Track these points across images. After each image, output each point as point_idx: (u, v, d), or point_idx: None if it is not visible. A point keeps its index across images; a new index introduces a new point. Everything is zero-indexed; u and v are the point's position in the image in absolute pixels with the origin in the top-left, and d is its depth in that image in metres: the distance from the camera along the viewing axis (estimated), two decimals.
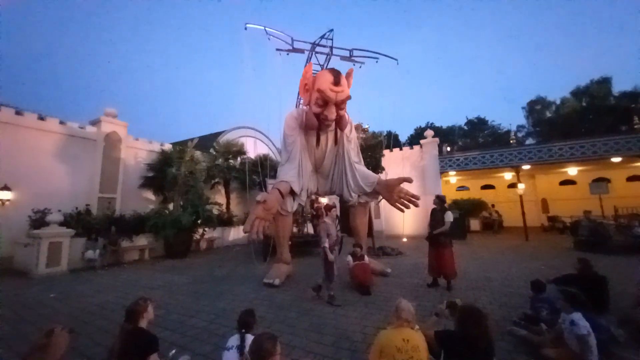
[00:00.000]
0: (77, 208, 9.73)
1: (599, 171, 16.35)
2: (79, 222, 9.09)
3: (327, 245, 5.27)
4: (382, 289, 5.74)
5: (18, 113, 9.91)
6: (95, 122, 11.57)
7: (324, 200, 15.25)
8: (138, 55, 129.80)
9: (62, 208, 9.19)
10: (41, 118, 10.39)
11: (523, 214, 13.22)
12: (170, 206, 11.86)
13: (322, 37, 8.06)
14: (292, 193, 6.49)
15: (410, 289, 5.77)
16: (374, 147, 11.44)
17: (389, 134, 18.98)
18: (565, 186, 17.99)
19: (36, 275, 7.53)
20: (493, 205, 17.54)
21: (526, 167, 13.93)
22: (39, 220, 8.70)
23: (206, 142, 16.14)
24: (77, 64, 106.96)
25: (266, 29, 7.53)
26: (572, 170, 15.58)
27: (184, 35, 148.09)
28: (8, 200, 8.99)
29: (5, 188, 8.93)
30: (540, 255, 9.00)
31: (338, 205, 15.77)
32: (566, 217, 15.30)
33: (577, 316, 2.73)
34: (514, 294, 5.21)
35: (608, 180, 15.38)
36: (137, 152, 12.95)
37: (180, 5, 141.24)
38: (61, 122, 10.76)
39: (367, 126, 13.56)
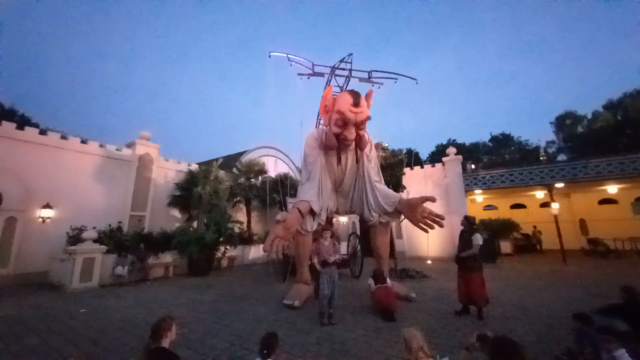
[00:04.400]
0: (110, 225, 10.28)
1: None
2: (111, 239, 9.56)
3: (315, 261, 5.46)
4: (406, 315, 5.46)
5: (63, 138, 10.88)
6: (131, 145, 12.43)
7: (343, 220, 15.11)
8: (168, 79, 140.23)
9: (96, 225, 9.77)
10: (83, 142, 11.32)
11: (559, 235, 12.29)
12: (195, 224, 12.24)
13: (341, 60, 8.33)
14: (312, 212, 6.50)
15: (437, 316, 5.44)
16: (395, 166, 11.31)
17: (410, 151, 18.75)
18: (606, 205, 16.64)
19: (69, 290, 7.91)
20: (535, 227, 16.80)
21: (559, 185, 13.11)
22: (75, 237, 9.26)
23: (230, 161, 16.75)
24: (112, 89, 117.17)
25: (288, 56, 7.92)
26: (612, 189, 14.44)
27: (216, 61, 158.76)
28: (49, 217, 9.70)
29: (48, 206, 9.67)
30: (582, 281, 8.24)
31: (358, 225, 15.53)
32: (609, 239, 14.06)
33: (620, 352, 2.44)
34: (554, 325, 4.76)
35: None
36: (167, 172, 13.65)
37: (205, 33, 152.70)
38: (100, 145, 11.66)
39: (387, 144, 13.51)
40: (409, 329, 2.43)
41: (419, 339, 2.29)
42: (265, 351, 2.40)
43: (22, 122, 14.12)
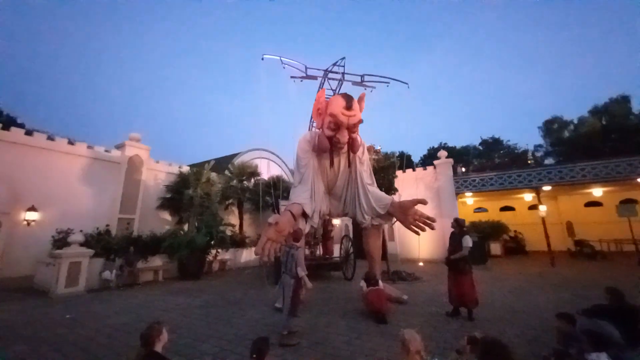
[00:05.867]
0: (97, 228, 10.05)
1: (627, 192, 15.49)
2: (99, 243, 9.33)
3: (305, 274, 4.80)
4: (398, 318, 5.49)
5: (50, 138, 10.62)
6: (120, 146, 12.21)
7: (336, 222, 15.11)
8: (159, 80, 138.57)
9: (84, 228, 9.53)
10: (71, 143, 11.08)
11: (547, 237, 12.56)
12: (186, 227, 12.06)
13: (334, 64, 8.39)
14: (305, 215, 6.49)
15: (428, 318, 5.49)
16: (387, 169, 11.40)
17: (402, 154, 18.95)
18: (591, 208, 17.10)
19: (55, 295, 7.68)
20: (515, 231, 17.25)
21: (547, 188, 13.42)
22: (61, 240, 9.01)
23: (222, 163, 16.62)
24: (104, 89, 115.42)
25: (281, 58, 7.94)
26: (597, 192, 14.84)
27: (208, 63, 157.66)
28: (34, 220, 9.42)
29: (32, 209, 9.39)
30: (570, 283, 8.42)
31: (351, 227, 15.55)
32: (594, 240, 14.43)
33: (596, 356, 2.51)
34: (543, 326, 4.85)
35: (636, 202, 14.55)
36: (157, 175, 13.44)
37: (198, 34, 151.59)
38: (89, 147, 11.42)
39: (379, 147, 13.62)
40: (408, 330, 2.42)
41: (418, 342, 2.29)
42: (255, 355, 2.38)
43: (8, 122, 13.73)
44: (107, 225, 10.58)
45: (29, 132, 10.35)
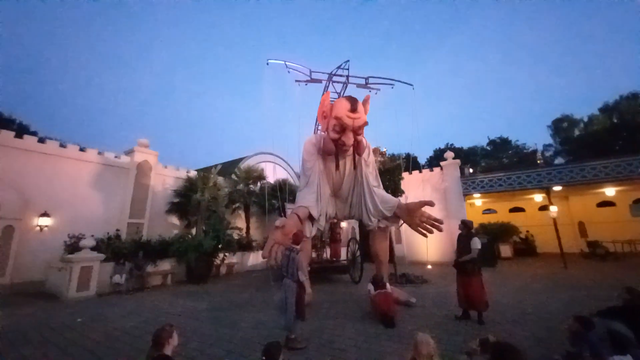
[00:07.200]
0: (108, 233, 10.23)
1: None
2: (109, 247, 9.49)
3: (306, 278, 4.63)
4: (406, 321, 5.43)
5: (62, 146, 10.89)
6: (129, 152, 12.44)
7: (343, 225, 15.08)
8: (167, 85, 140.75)
9: (94, 233, 9.71)
10: (82, 149, 11.33)
11: (558, 238, 12.29)
12: (194, 231, 12.18)
13: (338, 67, 8.44)
14: (311, 218, 6.51)
15: (437, 321, 5.41)
16: (393, 170, 11.35)
17: (408, 156, 18.84)
18: (604, 208, 16.70)
19: (66, 299, 7.82)
20: (528, 231, 17.06)
21: (557, 188, 13.16)
22: (73, 245, 9.19)
23: (229, 168, 16.78)
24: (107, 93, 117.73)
25: (286, 63, 8.03)
26: (610, 191, 14.50)
27: (214, 68, 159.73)
28: (46, 226, 9.64)
29: (45, 214, 9.62)
30: (582, 285, 8.22)
31: (358, 230, 15.50)
32: (608, 241, 14.07)
33: (619, 358, 2.44)
34: (554, 328, 4.74)
35: None
36: (165, 179, 13.63)
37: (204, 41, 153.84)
38: (99, 153, 11.67)
39: (385, 149, 13.57)
40: (423, 333, 2.42)
41: (431, 347, 2.28)
42: (264, 358, 2.38)
43: (21, 130, 14.13)
44: (117, 230, 10.76)
45: (41, 140, 10.63)
